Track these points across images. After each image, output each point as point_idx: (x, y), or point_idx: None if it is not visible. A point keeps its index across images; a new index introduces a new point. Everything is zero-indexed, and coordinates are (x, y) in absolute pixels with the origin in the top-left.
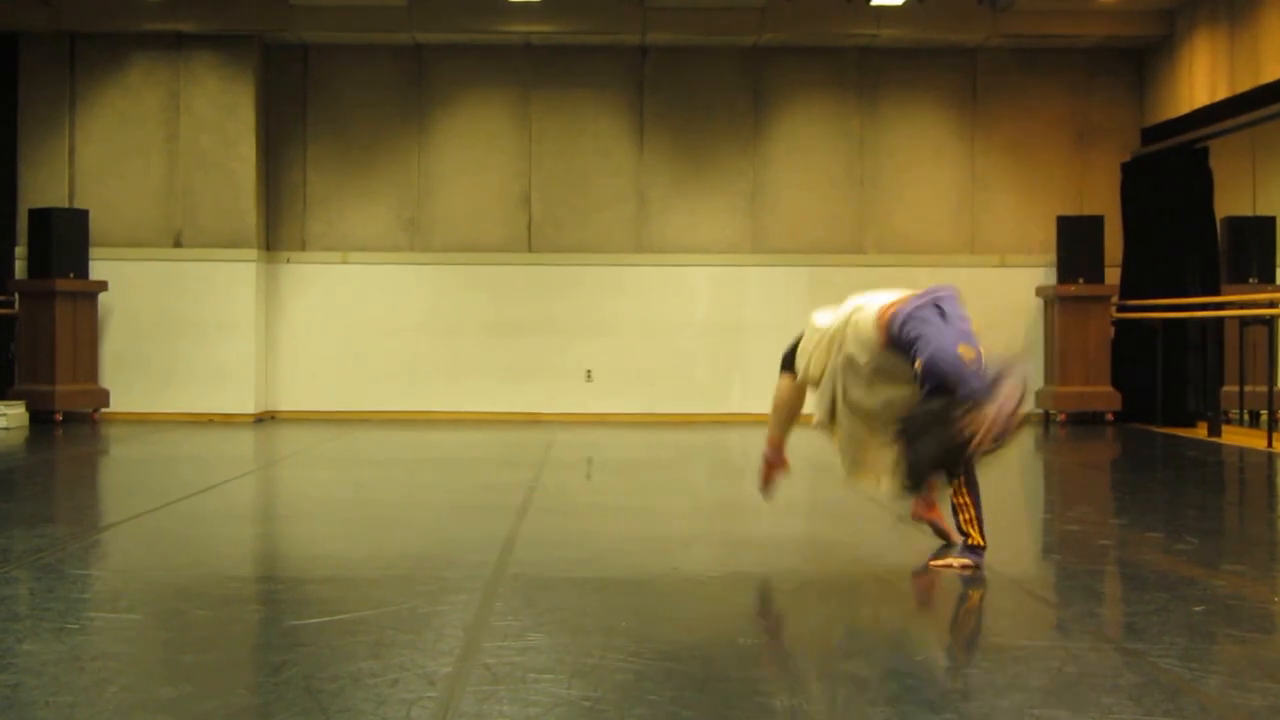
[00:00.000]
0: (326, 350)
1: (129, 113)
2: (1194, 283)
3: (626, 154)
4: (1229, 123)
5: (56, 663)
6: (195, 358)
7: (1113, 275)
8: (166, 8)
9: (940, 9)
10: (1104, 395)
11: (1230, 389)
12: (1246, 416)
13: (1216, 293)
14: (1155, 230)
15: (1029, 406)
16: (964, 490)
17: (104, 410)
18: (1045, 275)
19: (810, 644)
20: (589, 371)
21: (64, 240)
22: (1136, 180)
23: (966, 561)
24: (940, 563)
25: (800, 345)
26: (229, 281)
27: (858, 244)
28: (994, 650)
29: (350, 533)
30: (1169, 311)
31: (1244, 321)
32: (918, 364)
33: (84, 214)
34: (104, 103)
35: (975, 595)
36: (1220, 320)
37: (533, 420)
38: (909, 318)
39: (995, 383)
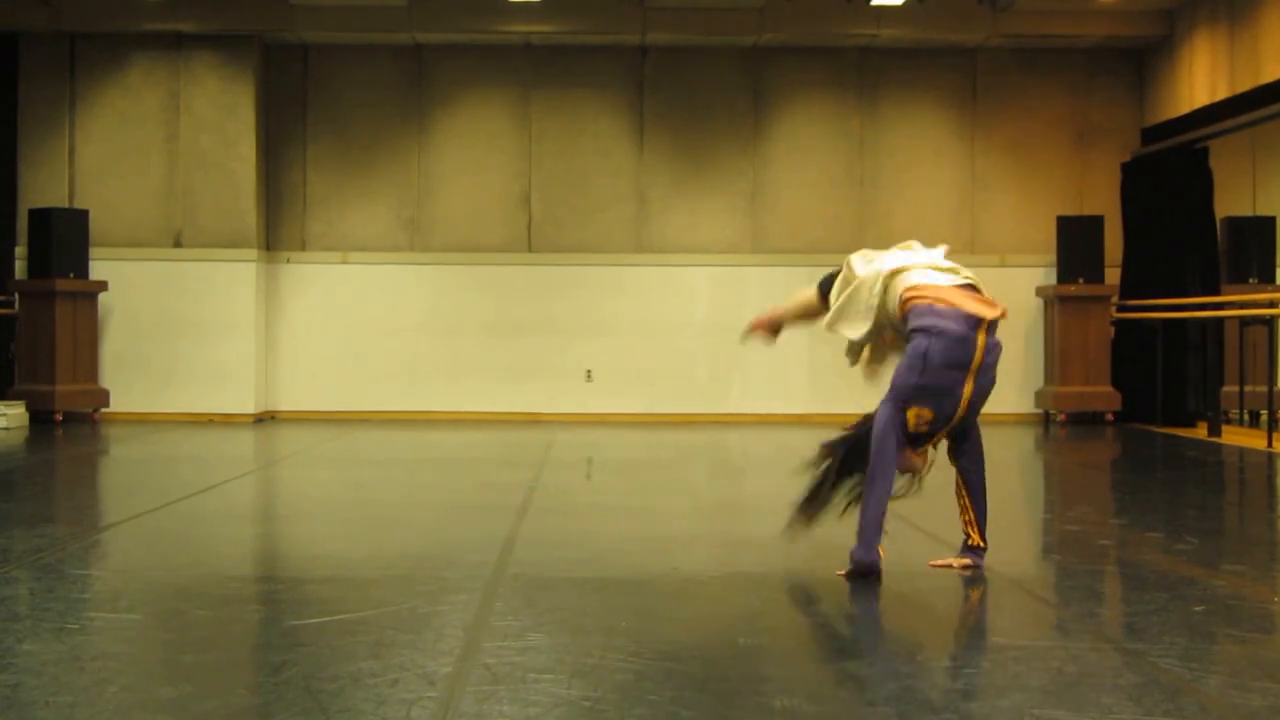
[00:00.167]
0: (326, 350)
1: (129, 113)
2: (1194, 283)
3: (626, 154)
4: (1229, 123)
5: (56, 663)
6: (195, 358)
7: (1113, 275)
8: (166, 8)
9: (940, 9)
10: (1104, 395)
11: (1230, 389)
12: (1246, 416)
13: (1216, 293)
14: (1155, 230)
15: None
16: (964, 491)
17: (104, 410)
18: (1045, 275)
19: (810, 644)
20: (589, 371)
21: (64, 240)
22: (1136, 180)
23: (966, 561)
24: (940, 563)
25: (837, 284)
26: (229, 281)
27: (858, 244)
28: (994, 650)
29: (350, 533)
30: (1169, 311)
31: (1244, 321)
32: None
33: (84, 214)
34: (104, 103)
35: (975, 595)
36: (1220, 320)
37: (533, 420)
38: (912, 333)
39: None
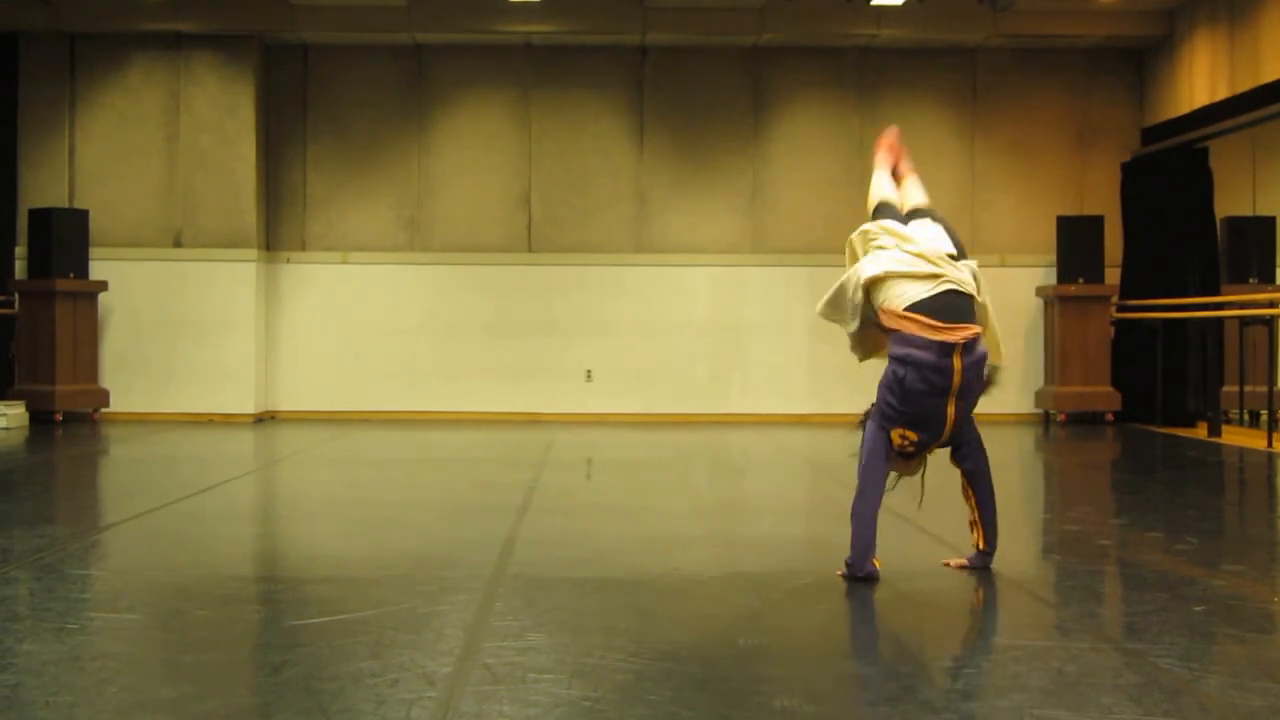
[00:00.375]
0: (326, 350)
1: (129, 113)
2: (1194, 283)
3: (626, 154)
4: (1229, 123)
5: (56, 663)
6: (195, 358)
7: (1113, 275)
8: (166, 8)
9: (940, 9)
10: (1104, 395)
11: (1230, 389)
12: (1246, 416)
13: (1216, 293)
14: (1155, 230)
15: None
16: (970, 495)
17: (104, 410)
18: (1045, 275)
19: (810, 644)
20: (589, 371)
21: (64, 240)
22: (1136, 180)
23: (963, 561)
24: (951, 563)
25: (846, 252)
26: (229, 281)
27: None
28: (994, 650)
29: (350, 533)
30: (1169, 311)
31: (1244, 321)
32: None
33: (84, 214)
34: (104, 103)
35: (975, 595)
36: (1220, 320)
37: (533, 420)
38: (890, 358)
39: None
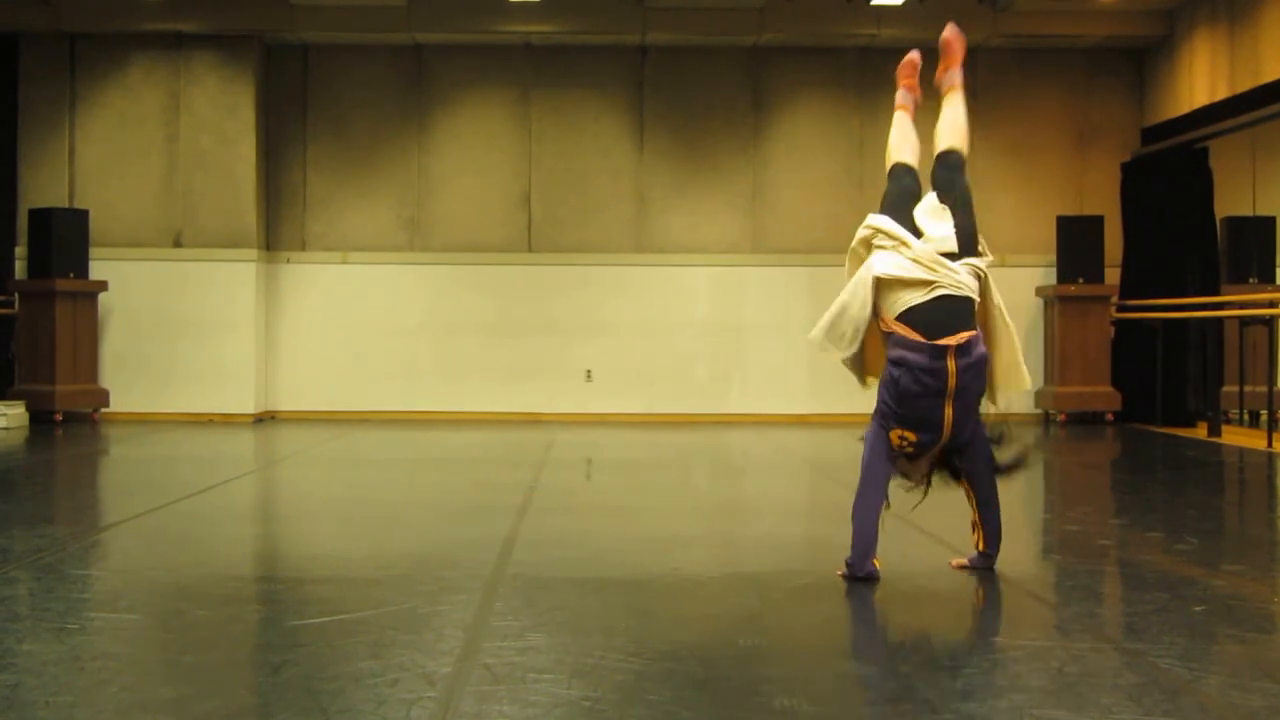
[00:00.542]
0: (326, 350)
1: (129, 113)
2: (1194, 283)
3: (626, 154)
4: (1229, 123)
5: (56, 663)
6: (195, 358)
7: (1113, 275)
8: (166, 8)
9: (940, 9)
10: (1104, 395)
11: (1230, 389)
12: (1246, 416)
13: (1216, 293)
14: (1155, 230)
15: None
16: (971, 498)
17: (104, 410)
18: (1045, 275)
19: (810, 644)
20: (589, 372)
21: (64, 240)
22: (1136, 180)
23: (964, 562)
24: (950, 563)
25: (849, 257)
26: (229, 281)
27: None
28: (994, 650)
29: (350, 533)
30: (1169, 311)
31: (1244, 321)
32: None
33: (84, 214)
34: (104, 103)
35: (975, 595)
36: (1220, 320)
37: (532, 420)
38: (888, 360)
39: None
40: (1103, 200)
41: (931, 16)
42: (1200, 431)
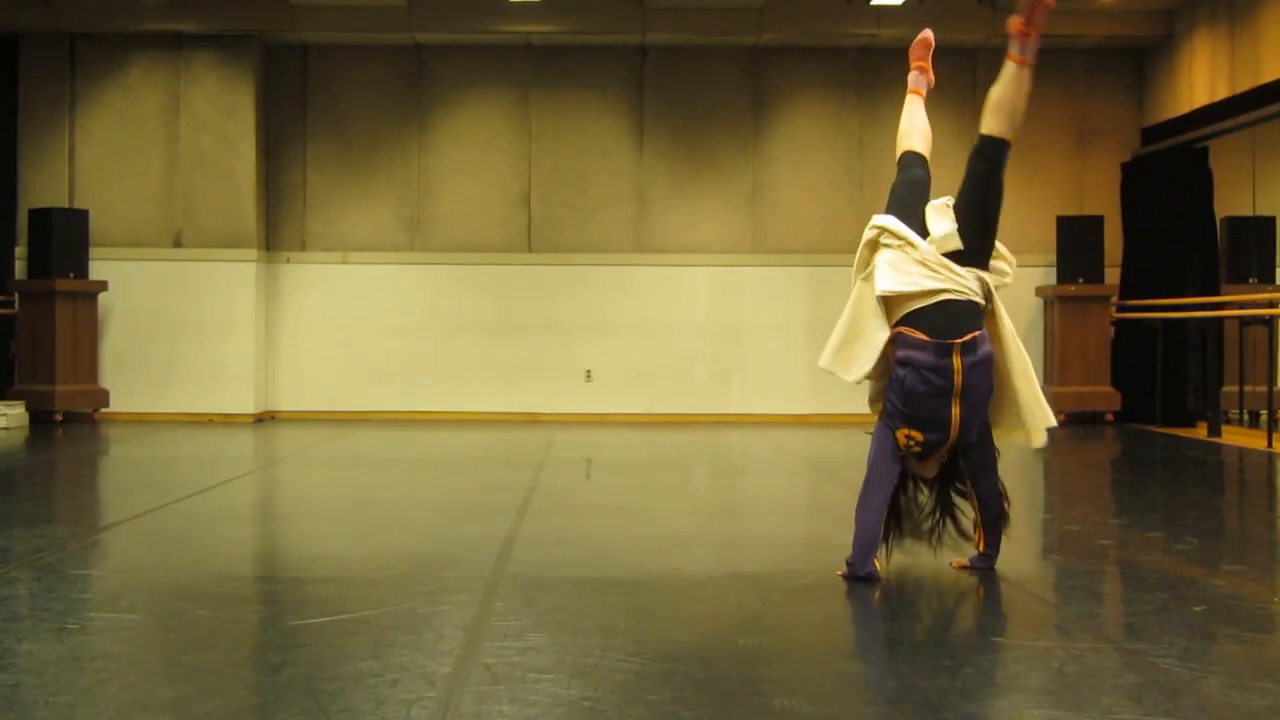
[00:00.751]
0: (326, 350)
1: (129, 113)
2: (1193, 283)
3: (626, 154)
4: (1229, 123)
5: (56, 663)
6: (195, 358)
7: (1113, 275)
8: (166, 8)
9: (940, 9)
10: (1104, 395)
11: (1230, 389)
12: (1246, 416)
13: (1216, 293)
14: (1155, 230)
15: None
16: (973, 498)
17: (104, 410)
18: (1045, 275)
19: (810, 644)
20: (589, 371)
21: (64, 240)
22: (1136, 180)
23: (964, 561)
24: (957, 563)
25: (855, 262)
26: (229, 281)
27: (857, 244)
28: (994, 650)
29: (350, 533)
30: (1169, 311)
31: (1244, 321)
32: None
33: (84, 214)
34: (104, 103)
35: (975, 595)
36: (1220, 320)
37: (532, 420)
38: (895, 361)
39: None
40: (1103, 200)
41: (931, 16)
42: (1200, 431)
